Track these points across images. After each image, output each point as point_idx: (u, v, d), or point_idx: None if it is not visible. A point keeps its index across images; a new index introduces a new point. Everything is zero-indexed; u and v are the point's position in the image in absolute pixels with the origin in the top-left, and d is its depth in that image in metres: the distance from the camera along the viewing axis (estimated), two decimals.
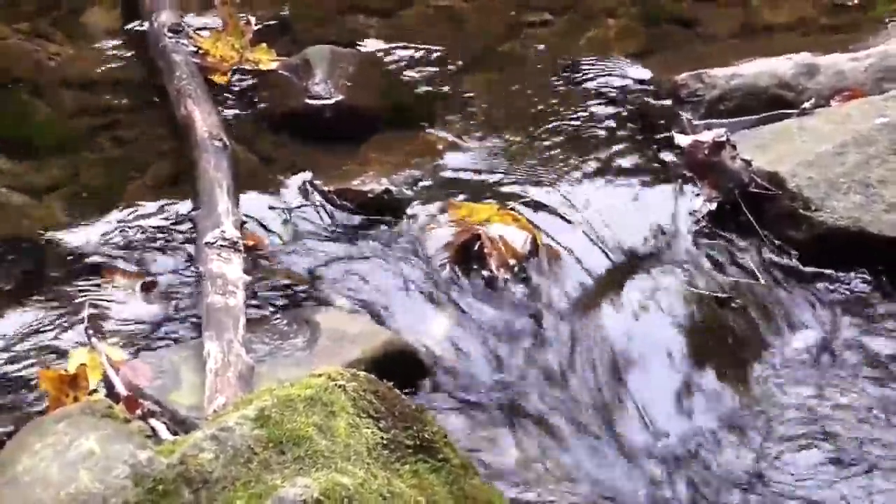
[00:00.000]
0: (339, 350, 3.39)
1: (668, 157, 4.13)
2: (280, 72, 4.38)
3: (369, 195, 3.94)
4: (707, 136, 3.97)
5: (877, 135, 3.99)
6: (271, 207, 3.94)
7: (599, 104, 4.39)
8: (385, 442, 2.70)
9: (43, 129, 4.31)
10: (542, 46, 4.71)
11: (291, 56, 4.43)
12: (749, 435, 3.45)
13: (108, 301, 3.61)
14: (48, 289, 3.68)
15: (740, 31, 4.83)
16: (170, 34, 4.42)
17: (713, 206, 3.96)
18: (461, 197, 3.99)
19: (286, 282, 3.68)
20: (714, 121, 4.25)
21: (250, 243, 3.74)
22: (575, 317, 3.66)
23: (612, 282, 3.78)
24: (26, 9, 4.73)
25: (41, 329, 3.54)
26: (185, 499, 2.55)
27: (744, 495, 3.32)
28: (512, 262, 3.75)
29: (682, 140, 4.02)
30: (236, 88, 4.39)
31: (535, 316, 3.66)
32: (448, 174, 4.11)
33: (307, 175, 4.05)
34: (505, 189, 4.03)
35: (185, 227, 3.85)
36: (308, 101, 4.30)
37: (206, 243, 3.60)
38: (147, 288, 3.66)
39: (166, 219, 3.90)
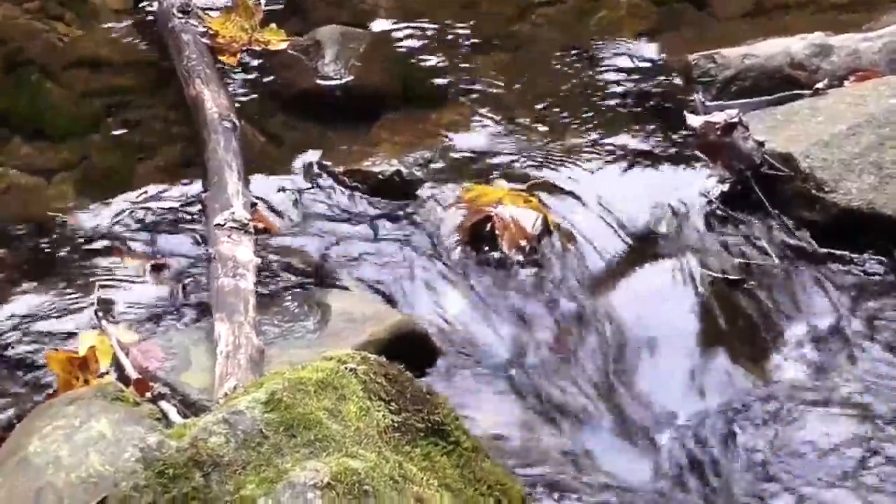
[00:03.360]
0: (350, 332, 3.38)
1: (679, 137, 4.12)
2: (290, 52, 4.37)
3: (380, 176, 3.93)
4: (719, 117, 3.95)
5: (891, 116, 3.97)
6: (281, 189, 3.93)
7: (610, 85, 4.38)
8: (396, 425, 2.69)
9: (53, 110, 4.31)
10: (553, 27, 4.69)
11: (302, 36, 4.42)
12: (760, 417, 3.43)
13: (118, 283, 3.61)
14: (58, 270, 3.67)
15: (752, 10, 4.81)
16: (179, 14, 4.41)
17: (725, 186, 3.95)
18: (472, 178, 3.97)
19: (296, 264, 3.68)
20: (726, 101, 4.24)
21: (260, 225, 3.73)
22: (586, 298, 3.65)
23: (623, 263, 3.77)
24: None
25: (51, 311, 3.54)
26: (196, 482, 2.55)
27: (754, 479, 3.31)
28: (523, 243, 3.74)
29: (695, 121, 4.00)
30: (246, 69, 4.38)
31: (546, 297, 3.65)
32: (459, 155, 4.10)
33: (317, 156, 4.04)
34: (516, 170, 4.02)
35: (195, 208, 3.84)
36: (318, 81, 4.30)
37: (216, 225, 3.60)
38: (157, 270, 3.66)
39: (176, 200, 3.90)
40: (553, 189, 3.94)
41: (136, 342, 3.37)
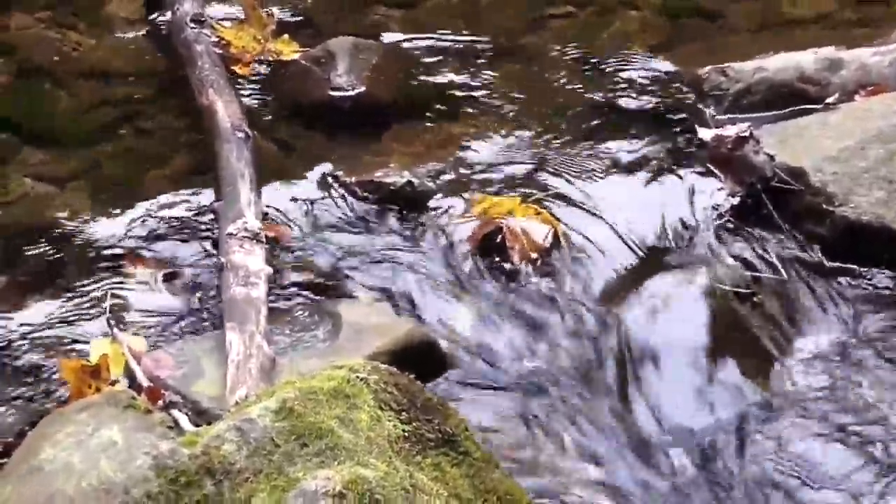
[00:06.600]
0: (361, 342, 3.39)
1: (690, 151, 4.12)
2: (302, 63, 4.38)
3: (391, 187, 3.94)
4: (730, 131, 3.96)
5: None
6: (293, 199, 3.94)
7: (621, 98, 4.39)
8: (407, 435, 2.70)
9: (65, 119, 4.32)
10: (563, 39, 4.70)
11: (313, 47, 4.43)
12: (769, 431, 3.43)
13: (129, 292, 3.62)
14: (70, 279, 3.68)
15: (763, 25, 4.82)
16: (192, 24, 4.43)
17: (736, 200, 3.95)
18: (483, 189, 3.98)
19: (308, 273, 3.68)
20: (737, 115, 4.24)
21: (272, 234, 3.74)
22: (596, 310, 3.66)
23: (633, 275, 3.77)
24: None
25: (63, 319, 3.54)
26: (208, 490, 2.56)
27: (762, 491, 3.31)
28: (533, 254, 3.75)
29: (705, 134, 4.01)
30: (258, 79, 4.39)
31: (556, 309, 3.65)
32: (470, 166, 4.11)
33: (329, 166, 4.05)
34: (527, 182, 4.03)
35: (207, 217, 3.85)
36: (330, 92, 4.31)
37: (229, 234, 3.61)
38: (169, 279, 3.67)
39: (188, 209, 3.91)
40: (563, 201, 3.95)
41: (147, 350, 3.38)
